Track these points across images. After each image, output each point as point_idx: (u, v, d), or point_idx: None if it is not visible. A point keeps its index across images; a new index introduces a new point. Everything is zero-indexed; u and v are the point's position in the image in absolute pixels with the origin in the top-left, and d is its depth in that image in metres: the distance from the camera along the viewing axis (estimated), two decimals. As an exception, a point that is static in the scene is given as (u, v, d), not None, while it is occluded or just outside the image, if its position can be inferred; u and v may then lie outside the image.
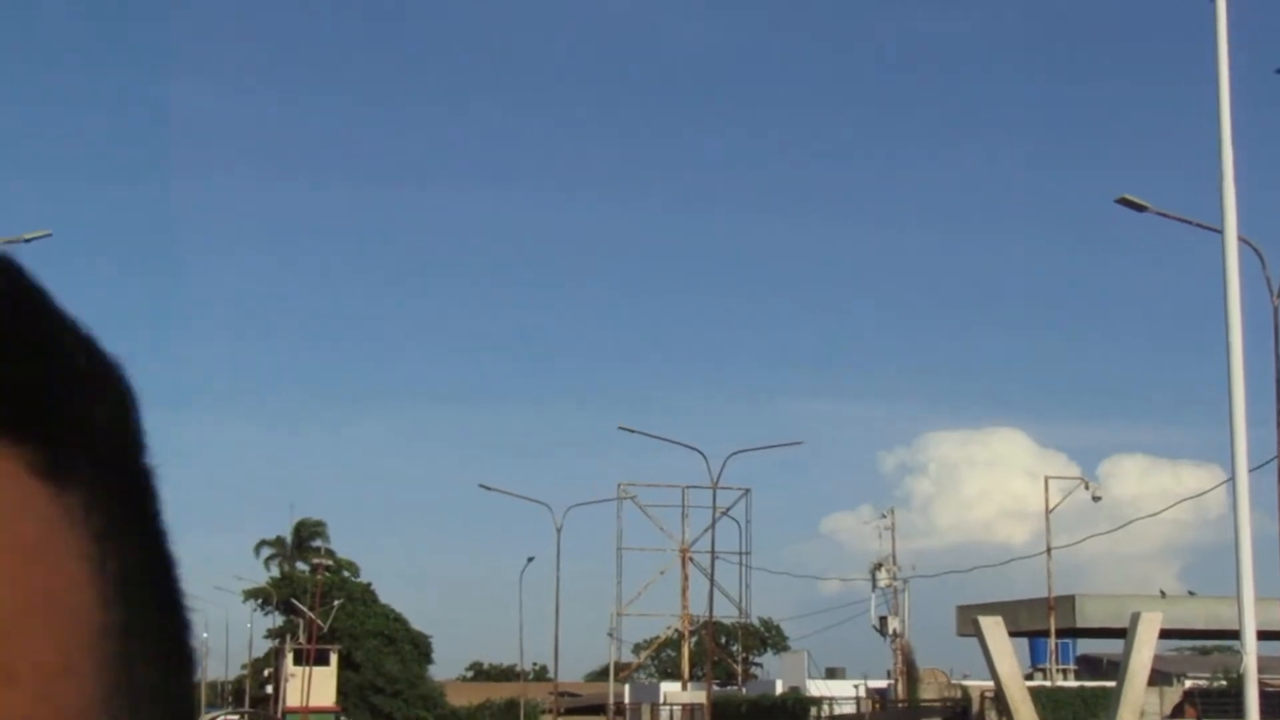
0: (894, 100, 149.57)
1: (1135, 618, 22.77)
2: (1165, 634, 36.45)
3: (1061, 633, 53.16)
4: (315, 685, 58.86)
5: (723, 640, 69.56)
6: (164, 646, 0.49)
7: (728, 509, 62.83)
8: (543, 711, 65.98)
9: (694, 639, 65.44)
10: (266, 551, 77.59)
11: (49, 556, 0.45)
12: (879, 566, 57.80)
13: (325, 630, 66.79)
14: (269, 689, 64.80)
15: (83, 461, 0.48)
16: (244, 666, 75.62)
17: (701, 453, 59.96)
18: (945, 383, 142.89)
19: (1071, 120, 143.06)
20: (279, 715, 57.57)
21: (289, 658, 64.29)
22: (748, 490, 65.65)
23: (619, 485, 66.91)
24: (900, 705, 51.24)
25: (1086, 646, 59.20)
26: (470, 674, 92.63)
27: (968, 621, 40.48)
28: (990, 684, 35.85)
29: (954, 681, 52.45)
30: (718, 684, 60.69)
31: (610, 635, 67.50)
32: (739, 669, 70.66)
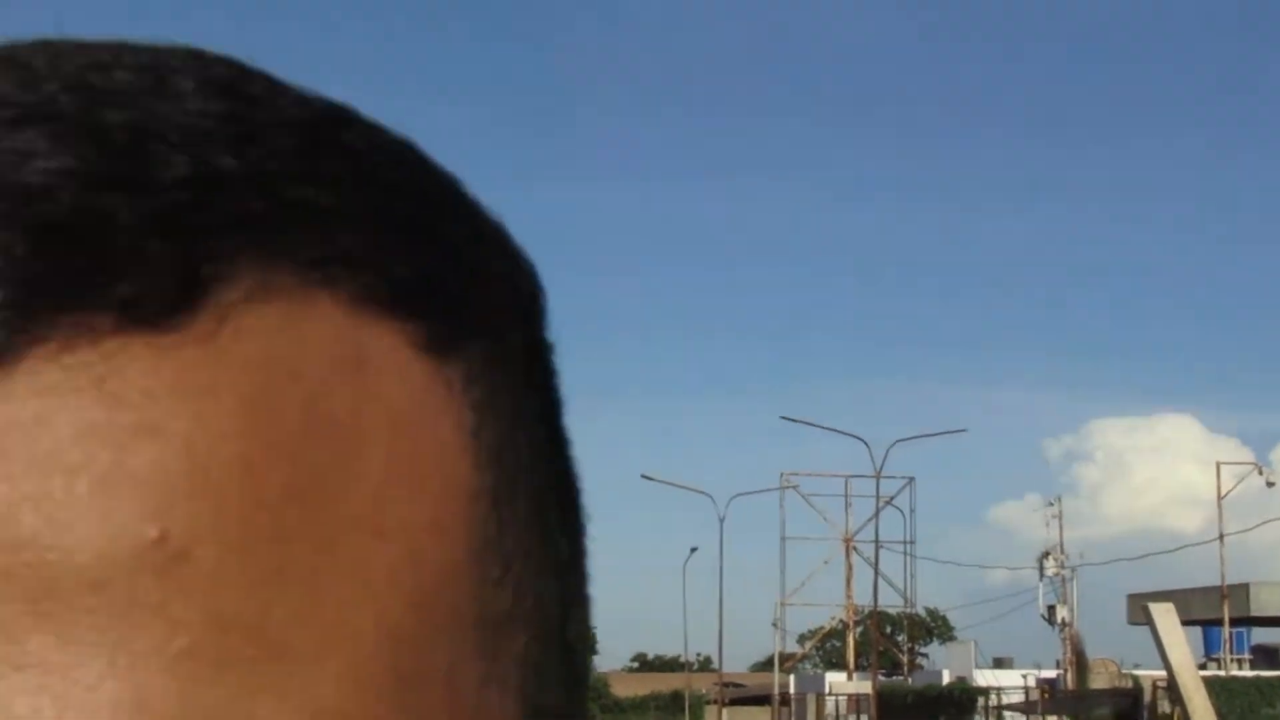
0: (1063, 81, 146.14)
1: None
2: None
3: (1235, 621, 52.33)
4: None
5: (888, 630, 69.19)
6: (543, 514, 0.51)
7: (891, 498, 62.32)
8: (708, 702, 65.65)
9: (859, 629, 64.95)
10: None
11: (422, 423, 0.48)
12: (1046, 555, 57.16)
13: None
14: None
15: (467, 335, 0.50)
16: None
17: (864, 441, 59.59)
18: (1112, 368, 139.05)
19: (1243, 102, 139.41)
20: None
21: None
22: (911, 479, 64.70)
23: (781, 475, 65.93)
24: (1070, 695, 50.79)
25: (1261, 636, 58.11)
26: (635, 665, 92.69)
27: (1138, 610, 39.89)
28: (1162, 673, 35.33)
29: (1125, 671, 51.80)
30: (883, 674, 60.43)
31: (774, 625, 66.82)
32: (905, 659, 70.25)
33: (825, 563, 65.31)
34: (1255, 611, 52.89)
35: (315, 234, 0.46)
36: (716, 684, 66.54)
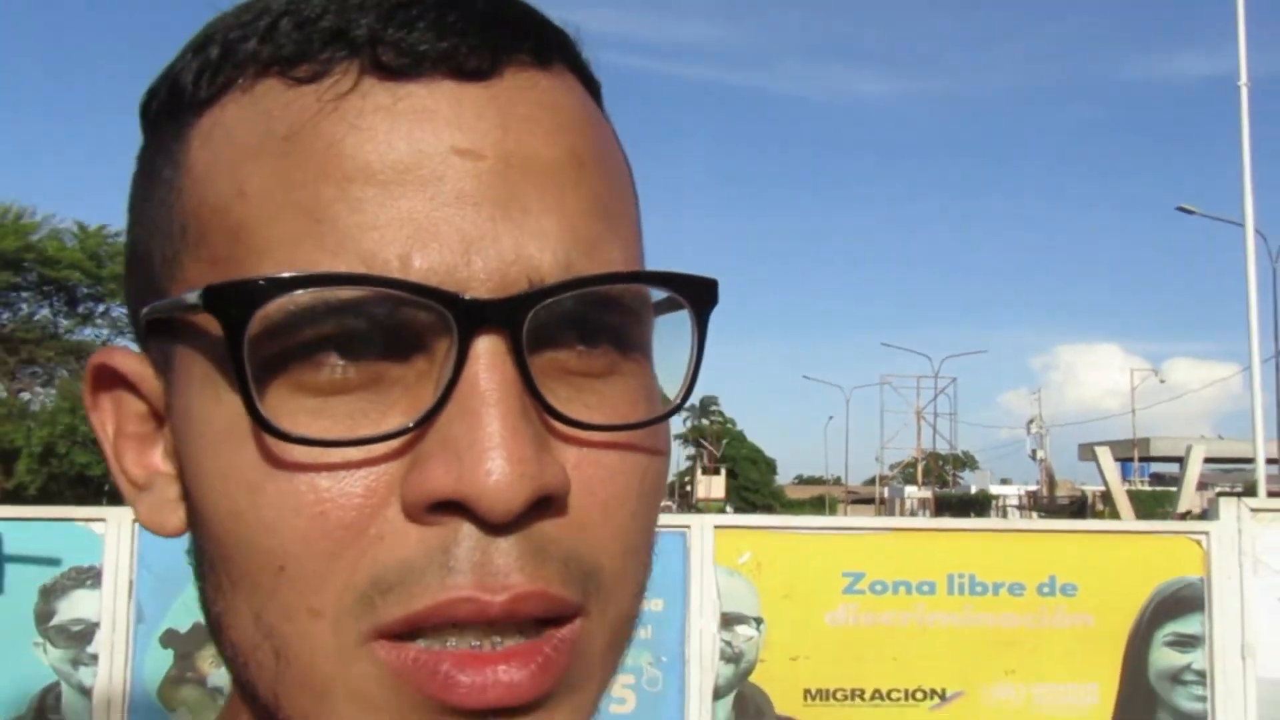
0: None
1: (1189, 449, 23.13)
2: (1207, 460, 36.29)
3: (1142, 459, 52.70)
4: (712, 486, 59.61)
5: (940, 463, 68.72)
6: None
7: (943, 389, 63.40)
8: (838, 501, 64.41)
9: (924, 462, 64.69)
10: (686, 416, 72.12)
11: (614, 141, 0.50)
12: (1031, 421, 56.39)
13: (719, 456, 68.60)
14: (688, 489, 66.46)
15: (598, 99, 0.51)
16: (676, 475, 72.89)
17: (928, 356, 63.11)
18: (1073, 314, 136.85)
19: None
20: (694, 501, 59.54)
21: (699, 471, 66.10)
22: (954, 379, 65.86)
23: (880, 375, 68.74)
24: (1044, 500, 52.19)
25: (1156, 468, 59.09)
26: (796, 480, 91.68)
27: (1087, 451, 37.87)
28: (1099, 488, 36.06)
29: (1077, 486, 52.38)
30: (938, 487, 61.13)
31: (876, 460, 68.40)
32: (950, 479, 69.51)
33: (905, 425, 66.94)
34: (1153, 453, 53.82)
35: (563, 40, 0.49)
36: (845, 492, 68.22)
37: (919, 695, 6.43)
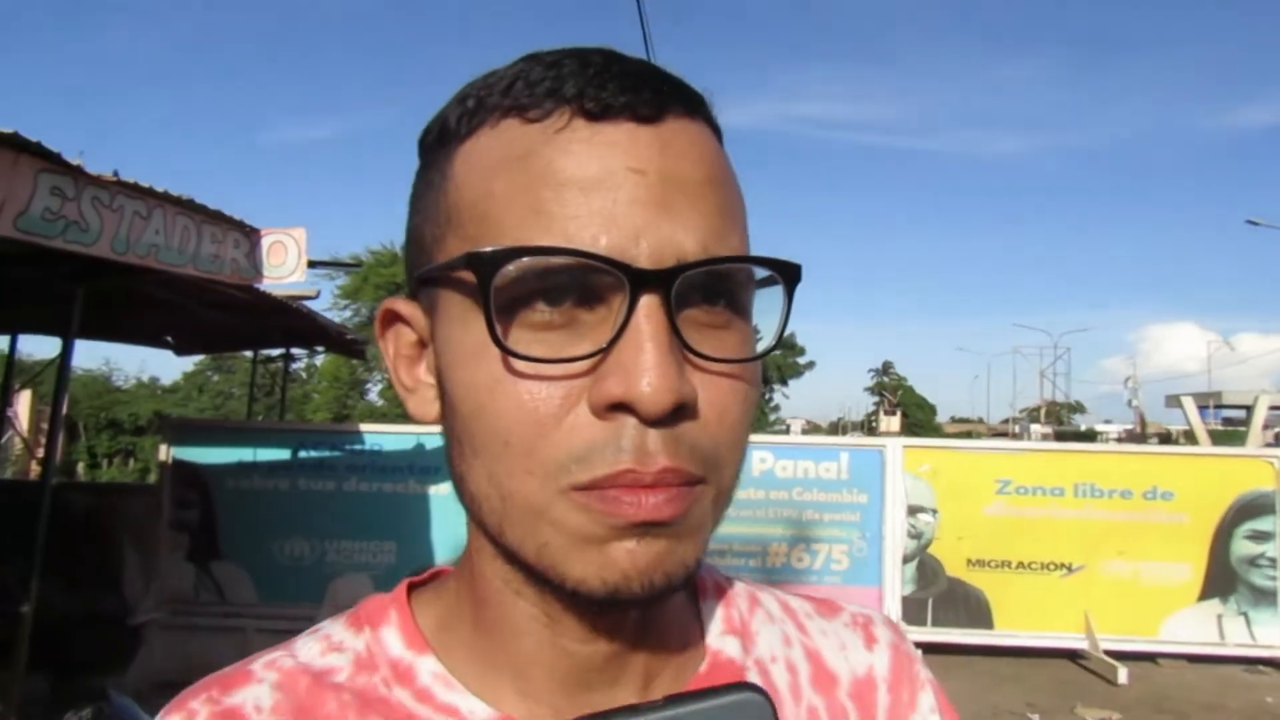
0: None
1: (1256, 398, 21.49)
2: (1270, 407, 33.68)
3: (1215, 407, 49.96)
4: (891, 424, 59.12)
5: (1057, 408, 66.81)
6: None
7: (1059, 356, 62.46)
8: (981, 436, 63.40)
9: (1045, 407, 62.55)
10: (872, 373, 73.91)
11: (727, 159, 0.47)
12: (1128, 379, 54.85)
13: (895, 402, 68.02)
14: (873, 424, 67.15)
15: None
16: (865, 416, 72.71)
17: (1048, 333, 61.01)
18: (1160, 297, 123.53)
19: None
20: (877, 433, 59.92)
21: (881, 412, 65.96)
22: (1068, 348, 64.00)
23: (1013, 345, 65.70)
24: (1139, 435, 49.39)
25: (1228, 414, 54.38)
26: (950, 420, 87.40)
27: (1172, 401, 38.16)
28: (1182, 427, 34.81)
29: (1164, 426, 50.31)
30: (1056, 425, 59.94)
31: (1010, 406, 66.19)
32: (1065, 420, 65.17)
33: (1031, 382, 64.72)
34: (1225, 402, 50.20)
35: (702, 101, 0.46)
36: (986, 429, 65.92)
37: (1052, 566, 6.29)
